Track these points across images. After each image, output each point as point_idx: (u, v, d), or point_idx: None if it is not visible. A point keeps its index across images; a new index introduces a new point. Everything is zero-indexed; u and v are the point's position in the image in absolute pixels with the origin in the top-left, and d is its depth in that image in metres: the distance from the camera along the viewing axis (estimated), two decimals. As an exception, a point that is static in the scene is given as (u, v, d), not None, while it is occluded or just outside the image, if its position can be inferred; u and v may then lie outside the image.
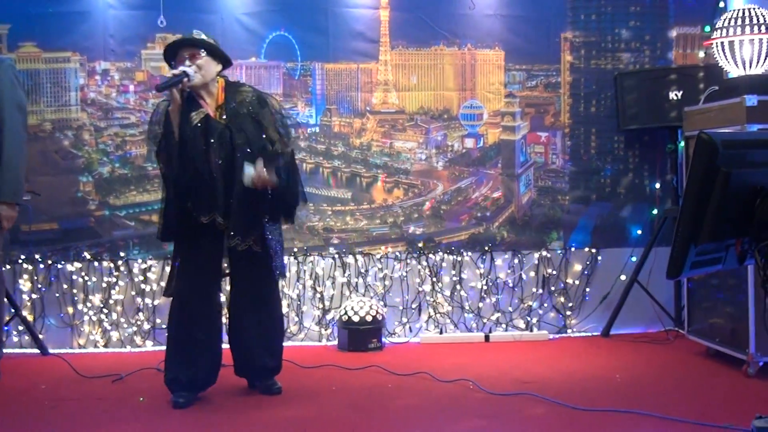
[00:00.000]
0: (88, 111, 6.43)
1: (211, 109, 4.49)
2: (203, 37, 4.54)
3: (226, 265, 4.70)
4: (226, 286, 5.00)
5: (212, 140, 4.39)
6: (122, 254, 6.39)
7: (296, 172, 4.72)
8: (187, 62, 4.42)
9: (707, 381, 5.10)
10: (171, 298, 4.64)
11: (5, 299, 5.91)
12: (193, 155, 4.35)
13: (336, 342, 6.33)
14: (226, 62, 4.65)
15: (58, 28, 6.34)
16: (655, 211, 6.71)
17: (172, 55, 4.56)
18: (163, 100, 4.58)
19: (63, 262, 6.34)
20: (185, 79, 4.33)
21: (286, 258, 6.31)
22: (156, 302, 6.35)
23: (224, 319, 4.91)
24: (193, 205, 4.40)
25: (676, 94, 6.35)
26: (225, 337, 4.85)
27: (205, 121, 4.42)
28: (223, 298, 5.09)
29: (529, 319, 6.63)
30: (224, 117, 4.48)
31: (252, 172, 4.35)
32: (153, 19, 6.37)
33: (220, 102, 4.53)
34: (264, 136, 4.50)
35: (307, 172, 6.61)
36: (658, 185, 6.72)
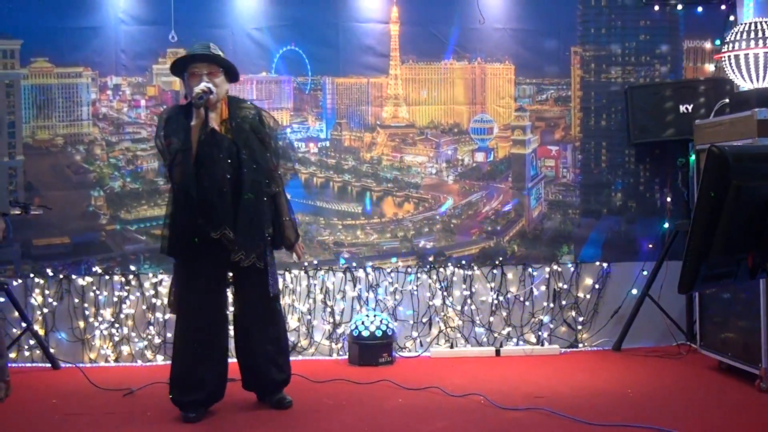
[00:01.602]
0: (100, 126, 6.46)
1: (216, 124, 4.48)
2: (220, 53, 4.56)
3: (230, 280, 4.73)
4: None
5: (221, 155, 4.40)
6: (133, 268, 6.41)
7: (284, 199, 4.83)
8: (205, 78, 4.43)
9: (719, 396, 5.07)
10: (176, 314, 4.65)
11: (17, 313, 5.97)
12: (207, 170, 4.36)
13: (346, 356, 6.32)
14: (233, 78, 4.67)
15: (71, 44, 6.38)
16: (666, 225, 6.68)
17: (183, 66, 4.55)
18: (164, 110, 4.66)
19: (74, 276, 6.35)
20: (210, 96, 4.38)
21: (296, 271, 6.36)
22: (167, 317, 6.34)
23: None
24: (204, 220, 4.40)
25: (686, 108, 6.34)
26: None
27: (211, 136, 4.42)
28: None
29: (540, 333, 6.61)
30: (229, 132, 4.49)
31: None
32: (164, 35, 6.41)
33: (224, 117, 4.54)
34: (267, 155, 4.57)
35: (318, 186, 6.64)
36: (669, 199, 6.70)
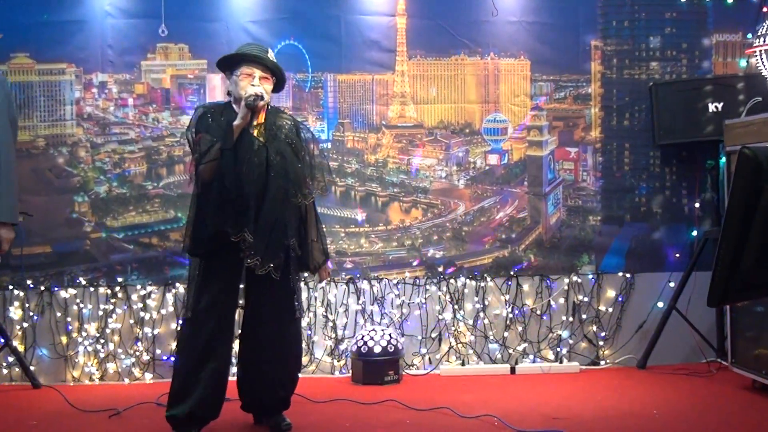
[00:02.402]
0: (84, 126, 6.48)
1: (251, 127, 4.56)
2: (275, 60, 4.71)
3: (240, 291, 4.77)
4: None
5: (248, 156, 4.46)
6: (120, 279, 6.42)
7: (314, 215, 4.87)
8: (257, 82, 4.53)
9: (753, 417, 5.06)
10: (180, 324, 4.68)
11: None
12: (235, 170, 4.43)
13: (350, 374, 6.33)
14: (279, 89, 4.86)
15: (53, 38, 6.40)
16: (694, 233, 6.68)
17: (235, 62, 4.65)
18: (200, 105, 4.74)
19: (56, 288, 6.36)
20: (260, 102, 4.50)
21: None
22: (156, 332, 6.37)
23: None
24: (227, 221, 4.44)
25: (716, 106, 6.34)
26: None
27: (245, 136, 4.51)
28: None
29: (558, 349, 6.61)
30: (262, 136, 4.56)
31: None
32: (154, 28, 6.44)
33: (260, 121, 4.62)
34: (300, 165, 4.64)
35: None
36: (697, 204, 6.69)
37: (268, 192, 4.49)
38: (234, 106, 4.62)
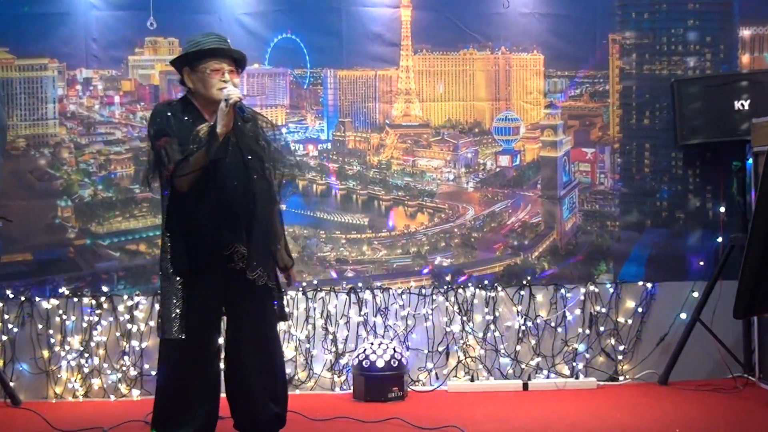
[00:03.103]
0: (68, 126, 6.48)
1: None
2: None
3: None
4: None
5: (227, 160, 4.36)
6: (105, 289, 6.42)
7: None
8: (226, 76, 4.45)
9: (783, 436, 5.06)
10: (160, 340, 4.60)
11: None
12: (227, 177, 4.36)
13: (351, 390, 6.32)
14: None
15: (34, 32, 6.41)
16: (719, 239, 6.66)
17: (196, 57, 4.49)
18: (160, 105, 4.62)
19: (37, 299, 6.37)
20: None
21: (293, 293, 6.37)
22: (144, 345, 6.37)
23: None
24: (215, 234, 4.38)
25: (742, 104, 6.34)
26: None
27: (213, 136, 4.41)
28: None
29: (574, 364, 6.60)
30: (233, 136, 4.44)
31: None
32: (142, 21, 6.44)
33: None
34: (269, 164, 4.59)
35: (318, 195, 6.68)
36: (722, 209, 6.68)
37: (255, 196, 4.40)
38: (195, 102, 4.48)
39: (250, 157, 4.44)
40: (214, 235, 4.37)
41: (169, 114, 4.41)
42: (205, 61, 4.43)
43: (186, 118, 4.40)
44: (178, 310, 4.45)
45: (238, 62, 4.57)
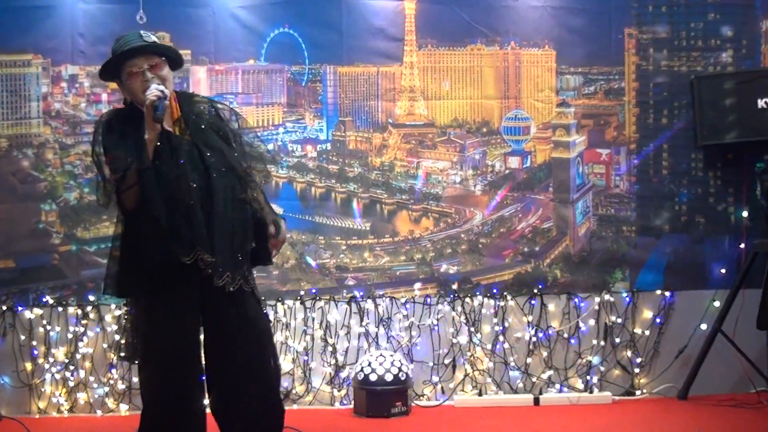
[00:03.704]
0: (53, 125, 6.48)
1: (167, 125, 4.32)
2: (154, 39, 4.38)
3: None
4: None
5: (182, 161, 4.27)
6: (92, 298, 6.41)
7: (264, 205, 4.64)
8: (148, 74, 4.31)
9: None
10: (138, 362, 4.51)
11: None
12: (169, 182, 4.25)
13: (352, 406, 6.30)
14: (177, 65, 4.54)
15: (16, 26, 6.41)
16: (742, 245, 6.65)
17: (114, 69, 4.35)
18: (102, 116, 4.44)
19: (20, 308, 6.35)
20: (166, 102, 4.20)
21: (290, 302, 6.34)
22: None
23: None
24: (173, 244, 4.29)
25: (766, 102, 6.32)
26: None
27: (167, 140, 4.26)
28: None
29: (588, 377, 6.58)
30: (186, 132, 4.36)
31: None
32: (131, 15, 6.41)
33: (176, 116, 4.41)
34: (236, 154, 4.44)
35: (317, 198, 6.67)
36: (745, 213, 6.67)
37: (215, 196, 4.25)
38: (142, 109, 4.27)
39: (209, 154, 4.27)
40: (171, 245, 4.20)
41: (109, 124, 4.30)
42: (122, 68, 4.31)
43: (133, 129, 4.23)
44: (133, 332, 4.39)
45: (160, 52, 4.37)
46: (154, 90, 4.13)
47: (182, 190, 4.18)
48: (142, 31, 4.34)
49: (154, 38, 4.36)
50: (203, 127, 4.38)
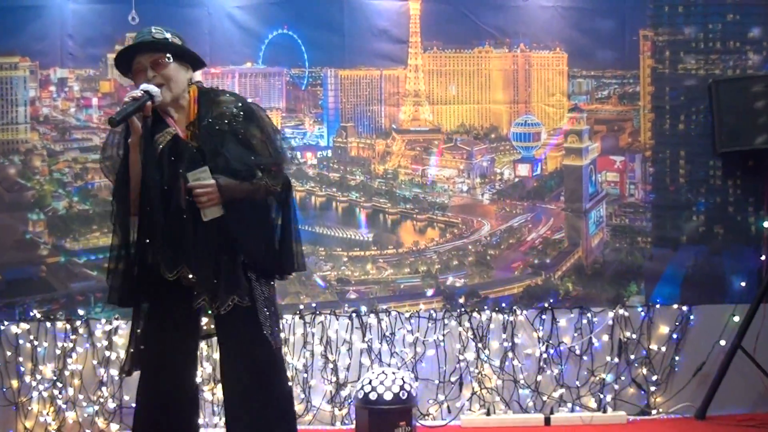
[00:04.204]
0: (40, 131, 6.47)
1: (181, 128, 4.25)
2: (166, 35, 4.27)
3: (206, 327, 4.56)
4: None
5: (180, 169, 4.21)
6: (81, 312, 6.38)
7: (290, 217, 4.44)
8: (150, 73, 4.25)
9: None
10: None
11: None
12: (156, 190, 4.18)
13: (353, 425, 6.24)
14: (197, 64, 4.45)
15: (3, 27, 6.41)
16: (763, 257, 6.63)
17: (126, 64, 4.39)
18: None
19: (6, 323, 6.33)
20: (149, 102, 4.07)
21: (289, 317, 6.29)
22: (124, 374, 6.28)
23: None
24: (156, 257, 4.23)
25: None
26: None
27: (173, 145, 4.21)
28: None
29: (601, 396, 6.55)
30: (195, 138, 4.28)
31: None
32: (123, 15, 6.40)
33: (192, 117, 4.37)
34: (253, 159, 4.24)
35: (317, 207, 6.64)
36: (766, 223, 6.65)
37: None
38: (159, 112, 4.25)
39: (212, 164, 4.13)
40: (157, 256, 4.15)
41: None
42: (130, 68, 4.27)
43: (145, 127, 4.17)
44: (135, 344, 4.33)
45: (164, 47, 4.23)
46: (134, 91, 4.07)
47: (173, 203, 4.12)
48: (155, 27, 4.25)
49: (167, 35, 4.25)
50: (217, 130, 4.22)
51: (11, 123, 6.43)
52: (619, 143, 6.77)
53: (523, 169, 6.77)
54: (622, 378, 6.59)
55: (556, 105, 6.75)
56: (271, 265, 4.38)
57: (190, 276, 4.15)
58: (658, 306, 6.65)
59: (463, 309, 6.57)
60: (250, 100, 4.48)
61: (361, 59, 6.66)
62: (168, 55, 4.19)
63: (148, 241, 4.15)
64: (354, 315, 6.52)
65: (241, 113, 4.28)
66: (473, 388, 6.52)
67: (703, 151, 6.69)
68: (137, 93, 4.04)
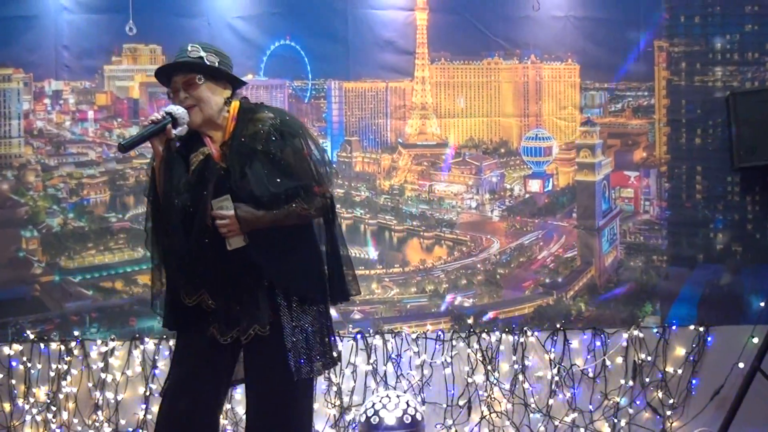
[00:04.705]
0: (34, 145, 6.48)
1: (216, 147, 4.22)
2: (201, 54, 4.23)
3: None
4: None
5: (205, 192, 4.18)
6: (76, 333, 6.38)
7: (332, 240, 4.33)
8: (182, 94, 4.22)
9: None
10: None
11: None
12: (179, 212, 4.16)
13: (358, 451, 6.26)
14: (236, 83, 4.37)
15: (-4, 37, 6.44)
16: (783, 276, 6.63)
17: (166, 80, 4.37)
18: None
19: (-2, 344, 6.34)
20: (169, 125, 4.04)
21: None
22: (120, 397, 6.32)
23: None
24: (178, 281, 4.21)
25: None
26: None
27: (204, 165, 4.19)
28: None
29: (615, 420, 6.53)
30: (225, 159, 4.24)
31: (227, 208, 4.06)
32: (119, 26, 6.44)
33: (227, 136, 4.24)
34: (279, 182, 4.10)
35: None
36: (787, 241, 6.65)
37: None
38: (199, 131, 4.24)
39: (238, 185, 4.06)
40: (180, 281, 4.17)
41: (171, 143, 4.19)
42: (168, 83, 4.24)
43: (182, 147, 4.20)
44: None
45: (198, 68, 4.19)
46: (154, 114, 4.05)
47: (195, 226, 4.09)
48: (191, 45, 4.20)
49: (203, 53, 4.21)
50: (247, 150, 4.13)
51: (4, 137, 6.45)
52: (634, 158, 6.78)
53: (534, 185, 6.77)
54: (637, 402, 6.57)
55: (568, 118, 6.76)
56: (311, 292, 4.24)
57: (211, 302, 4.14)
58: (674, 327, 6.63)
59: (471, 330, 6.55)
60: (291, 117, 4.35)
61: (366, 71, 6.68)
62: (199, 76, 4.17)
63: (165, 264, 4.17)
64: (359, 336, 6.51)
65: (278, 132, 4.16)
66: (482, 412, 6.50)
67: (721, 166, 6.68)
68: (157, 116, 4.03)
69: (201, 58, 4.18)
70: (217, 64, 4.21)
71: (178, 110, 4.03)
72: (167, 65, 4.23)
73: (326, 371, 4.60)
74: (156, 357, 6.35)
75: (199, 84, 4.14)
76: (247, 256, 4.08)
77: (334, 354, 4.32)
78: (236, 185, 4.07)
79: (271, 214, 4.05)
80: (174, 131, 4.05)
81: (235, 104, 4.25)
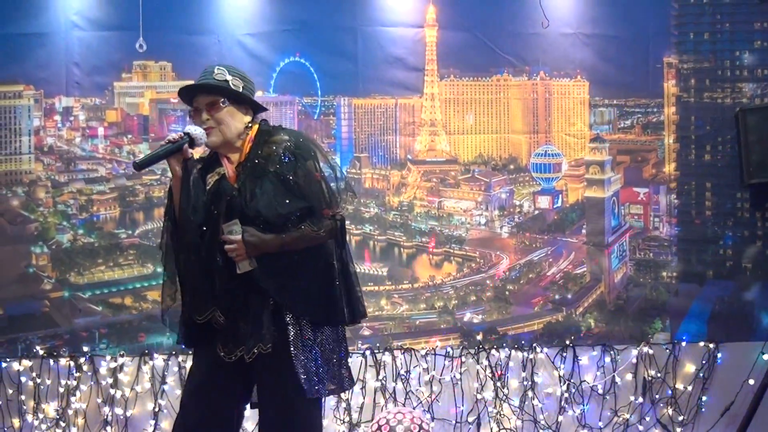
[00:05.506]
0: (45, 161, 6.56)
1: (232, 168, 4.33)
2: (227, 77, 4.31)
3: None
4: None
5: (215, 211, 4.22)
6: (86, 349, 6.44)
7: (341, 261, 4.36)
8: (204, 115, 4.25)
9: None
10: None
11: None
12: (194, 231, 4.20)
13: (367, 467, 6.33)
14: (258, 109, 4.46)
15: (6, 55, 6.52)
16: (794, 293, 6.67)
17: (189, 99, 4.38)
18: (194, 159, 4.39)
19: (8, 359, 6.39)
20: (186, 145, 4.16)
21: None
22: (129, 413, 6.38)
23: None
24: (190, 299, 4.27)
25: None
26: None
27: (218, 186, 4.29)
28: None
29: (625, 437, 6.60)
30: (238, 180, 4.25)
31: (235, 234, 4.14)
32: (130, 43, 6.53)
33: (242, 158, 4.33)
34: (288, 204, 4.17)
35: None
36: (797, 258, 6.70)
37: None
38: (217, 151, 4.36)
39: (250, 207, 4.15)
40: (191, 298, 4.24)
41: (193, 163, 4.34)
42: (191, 102, 4.33)
43: (201, 167, 4.33)
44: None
45: (219, 90, 4.28)
46: (172, 134, 4.16)
47: (206, 245, 4.19)
48: (218, 67, 4.29)
49: (228, 77, 4.28)
50: (259, 172, 4.22)
51: (15, 153, 6.50)
52: (643, 174, 6.82)
53: (544, 201, 6.82)
54: (647, 419, 6.60)
55: (578, 135, 6.83)
56: (319, 315, 4.27)
57: (221, 319, 4.20)
58: (684, 343, 6.66)
59: (481, 346, 6.58)
60: (305, 139, 4.36)
61: (375, 87, 6.74)
62: (223, 99, 4.25)
63: (181, 282, 4.25)
64: (368, 352, 6.54)
65: (292, 154, 4.24)
66: (491, 429, 6.53)
67: (731, 182, 6.72)
68: (175, 135, 4.12)
69: (226, 81, 4.27)
70: (241, 88, 4.27)
71: (196, 131, 4.14)
72: (192, 85, 4.30)
73: (339, 393, 4.58)
74: (165, 373, 6.36)
75: (222, 107, 4.24)
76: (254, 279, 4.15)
77: (344, 375, 4.34)
78: (246, 205, 4.14)
79: (279, 238, 4.11)
80: (191, 151, 4.17)
81: (255, 127, 4.33)
